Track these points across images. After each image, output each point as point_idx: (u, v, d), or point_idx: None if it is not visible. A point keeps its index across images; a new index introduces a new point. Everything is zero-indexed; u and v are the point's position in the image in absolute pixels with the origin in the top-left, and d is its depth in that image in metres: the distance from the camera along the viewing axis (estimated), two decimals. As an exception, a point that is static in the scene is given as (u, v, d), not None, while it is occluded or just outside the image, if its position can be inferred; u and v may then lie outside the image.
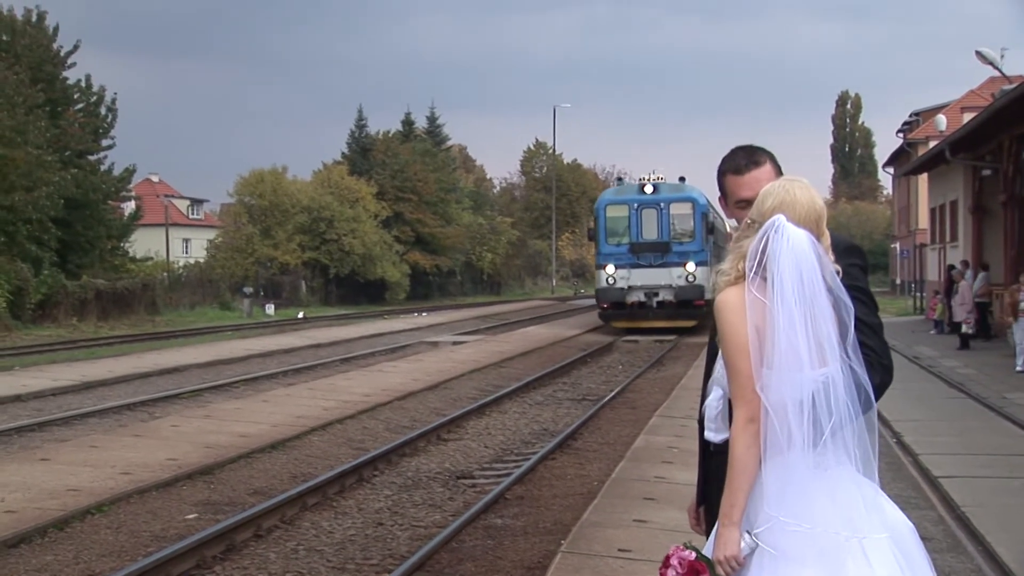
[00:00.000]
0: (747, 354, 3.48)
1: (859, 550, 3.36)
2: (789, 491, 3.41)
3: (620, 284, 36.54)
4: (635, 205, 36.90)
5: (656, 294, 36.47)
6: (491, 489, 12.31)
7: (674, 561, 3.54)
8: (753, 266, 3.53)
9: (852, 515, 3.40)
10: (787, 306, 3.45)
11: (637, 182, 38.26)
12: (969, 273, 30.59)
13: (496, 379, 24.35)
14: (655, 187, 37.14)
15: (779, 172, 4.10)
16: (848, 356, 3.48)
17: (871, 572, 3.33)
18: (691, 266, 36.37)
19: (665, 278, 36.45)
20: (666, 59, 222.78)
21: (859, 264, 4.00)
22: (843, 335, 3.50)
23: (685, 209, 36.99)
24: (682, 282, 36.36)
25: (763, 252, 3.51)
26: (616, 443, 15.18)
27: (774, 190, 3.67)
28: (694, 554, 3.52)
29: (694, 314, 36.37)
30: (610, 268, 36.72)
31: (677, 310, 36.46)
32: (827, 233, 3.71)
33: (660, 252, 36.49)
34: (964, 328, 27.57)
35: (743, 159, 4.19)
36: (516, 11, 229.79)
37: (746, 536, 3.39)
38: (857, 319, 3.58)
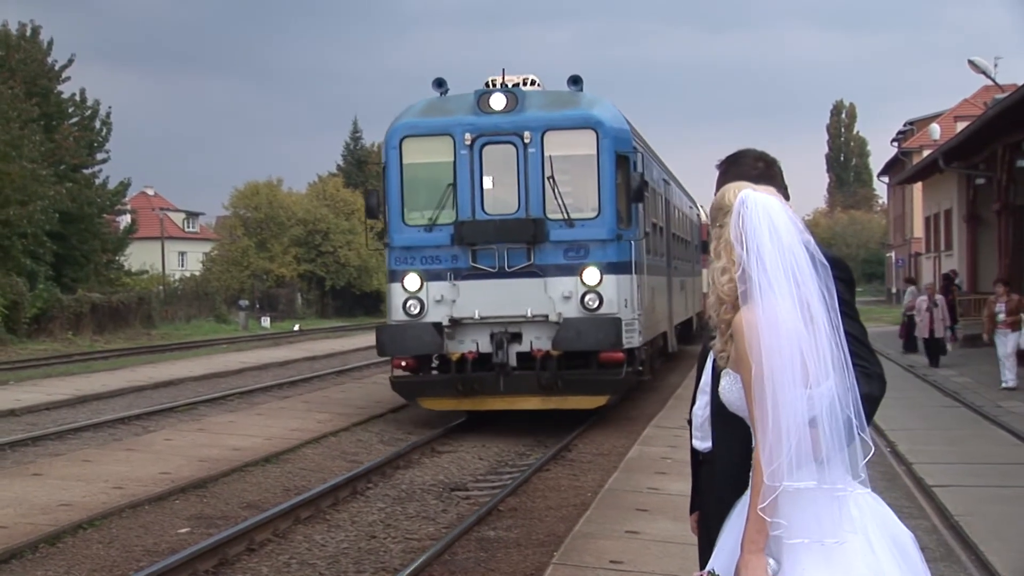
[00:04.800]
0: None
1: (868, 551, 3.37)
2: (800, 509, 3.39)
3: (434, 314, 17.06)
4: (467, 138, 17.20)
5: (516, 336, 16.99)
6: (485, 501, 12.29)
7: None
8: (743, 254, 3.47)
9: (858, 525, 3.40)
10: (772, 284, 3.41)
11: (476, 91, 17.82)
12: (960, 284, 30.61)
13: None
14: (513, 98, 17.33)
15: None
16: (843, 363, 3.45)
17: (879, 565, 3.35)
18: (592, 273, 16.79)
19: (535, 300, 16.83)
20: (660, 70, 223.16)
21: (842, 278, 3.96)
22: (829, 307, 3.46)
23: (581, 145, 17.30)
24: (573, 309, 16.79)
25: (743, 229, 3.48)
26: (610, 454, 15.17)
27: (733, 185, 3.68)
28: None
29: (606, 381, 17.11)
30: (411, 280, 17.14)
31: (564, 371, 16.83)
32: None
33: (524, 243, 16.90)
34: (948, 347, 26.47)
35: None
36: (513, 24, 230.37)
37: (771, 562, 3.37)
38: (845, 332, 3.55)
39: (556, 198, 16.91)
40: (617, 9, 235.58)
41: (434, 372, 17.75)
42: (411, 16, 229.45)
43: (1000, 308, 20.85)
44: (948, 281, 33.81)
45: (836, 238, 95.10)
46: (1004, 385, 20.32)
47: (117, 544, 10.60)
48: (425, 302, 17.06)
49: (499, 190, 17.35)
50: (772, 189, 3.65)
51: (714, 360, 3.88)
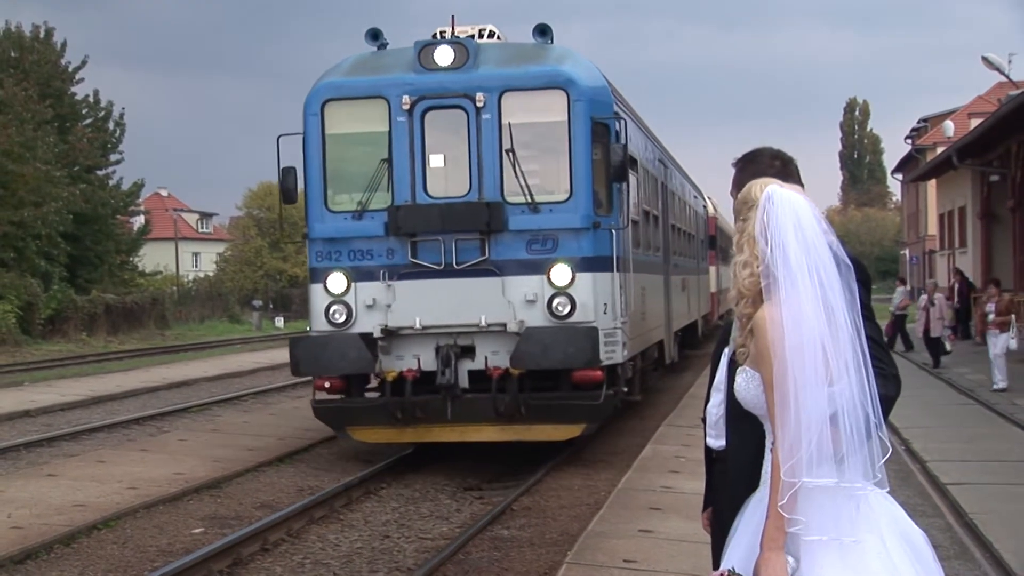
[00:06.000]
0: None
1: (883, 549, 3.38)
2: (819, 507, 3.39)
3: (364, 323, 13.74)
4: (405, 101, 13.80)
5: (467, 350, 13.76)
6: (498, 500, 12.29)
7: None
8: (767, 250, 3.47)
9: (873, 525, 3.41)
10: (797, 282, 3.41)
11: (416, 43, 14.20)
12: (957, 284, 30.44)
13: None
14: (463, 51, 13.94)
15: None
16: (862, 363, 3.44)
17: (893, 564, 3.36)
18: (562, 272, 13.57)
19: (491, 305, 13.57)
20: (672, 70, 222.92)
21: (859, 278, 3.95)
22: (851, 307, 3.46)
23: (549, 109, 14.02)
24: (539, 316, 13.58)
25: (767, 225, 3.48)
26: (624, 453, 15.14)
27: (760, 180, 3.68)
28: None
29: (580, 406, 13.82)
30: (336, 280, 13.94)
31: (527, 394, 13.61)
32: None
33: (477, 233, 13.68)
34: (947, 346, 25.74)
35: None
36: (524, 23, 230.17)
37: (789, 560, 3.37)
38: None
39: (517, 176, 13.59)
40: (628, 8, 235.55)
41: (375, 395, 14.20)
42: (417, 17, 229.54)
43: (990, 308, 20.64)
44: (963, 279, 33.75)
45: (850, 236, 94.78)
46: (995, 387, 19.95)
47: (131, 544, 10.63)
48: (353, 308, 13.67)
49: (446, 167, 14.04)
50: (799, 188, 3.66)
51: (730, 358, 3.88)
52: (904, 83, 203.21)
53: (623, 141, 14.11)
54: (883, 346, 3.85)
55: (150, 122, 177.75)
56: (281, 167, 14.34)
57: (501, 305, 13.42)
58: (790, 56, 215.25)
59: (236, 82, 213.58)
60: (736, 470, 3.86)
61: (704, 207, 31.55)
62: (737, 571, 3.47)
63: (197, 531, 11.19)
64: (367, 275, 13.75)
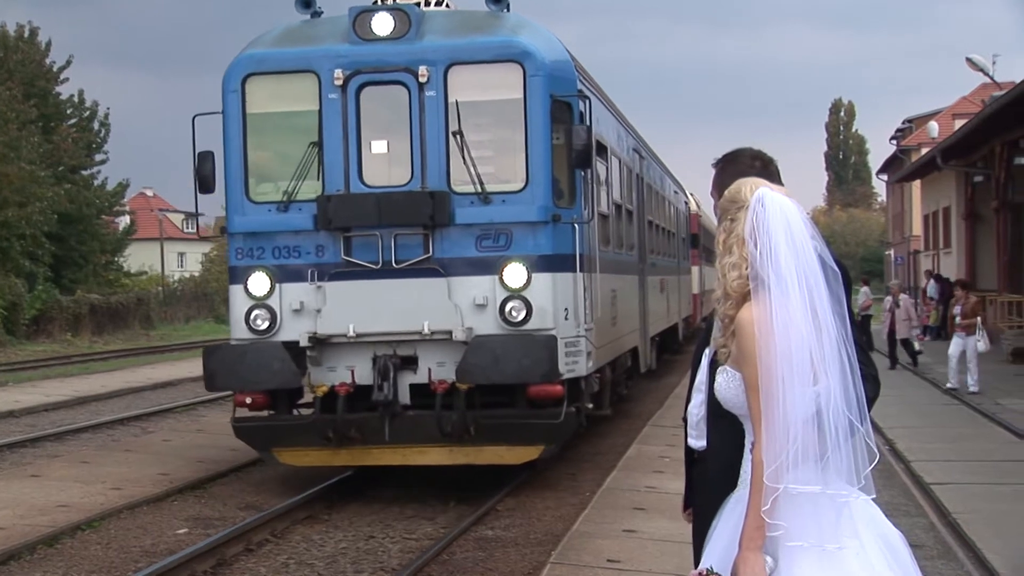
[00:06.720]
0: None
1: (862, 551, 3.39)
2: (801, 513, 3.40)
3: (290, 330, 12.08)
4: (337, 75, 12.11)
5: (408, 361, 12.02)
6: (483, 501, 12.28)
7: None
8: (756, 253, 3.47)
9: (852, 527, 3.43)
10: (786, 287, 3.42)
11: (351, 9, 12.44)
12: (932, 283, 30.48)
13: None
14: (404, 18, 12.16)
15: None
16: (847, 361, 3.45)
17: (872, 566, 3.37)
18: (516, 272, 11.89)
19: (435, 310, 11.87)
20: (659, 69, 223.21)
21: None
22: (837, 311, 3.47)
23: (502, 86, 12.26)
24: (490, 322, 11.88)
25: (757, 227, 3.49)
26: (608, 452, 15.14)
27: (749, 180, 3.69)
28: None
29: (537, 425, 12.02)
30: (258, 281, 12.26)
31: (478, 411, 11.91)
32: None
33: (420, 227, 11.97)
34: (916, 346, 26.22)
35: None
36: None
37: (767, 559, 3.38)
38: None
39: (465, 163, 11.93)
40: (617, 8, 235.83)
41: (308, 412, 12.61)
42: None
43: (957, 311, 20.77)
44: (942, 281, 33.94)
45: (835, 236, 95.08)
46: (948, 385, 20.35)
47: (115, 545, 10.60)
48: (277, 313, 12.05)
49: (384, 151, 12.43)
50: (786, 190, 3.67)
51: (711, 358, 3.90)
52: (889, 84, 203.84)
53: (588, 123, 12.41)
54: (862, 347, 3.87)
55: (136, 122, 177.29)
56: (197, 152, 12.61)
57: (447, 310, 11.78)
58: (775, 57, 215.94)
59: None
60: (716, 470, 3.89)
61: (686, 203, 30.15)
62: (715, 570, 3.48)
63: (181, 532, 11.17)
64: (294, 275, 12.11)
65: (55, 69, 52.81)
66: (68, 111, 53.77)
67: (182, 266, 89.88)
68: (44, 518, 11.38)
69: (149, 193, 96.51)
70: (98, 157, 54.87)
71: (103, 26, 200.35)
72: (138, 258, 64.23)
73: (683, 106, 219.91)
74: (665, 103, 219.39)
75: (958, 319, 20.59)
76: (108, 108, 55.73)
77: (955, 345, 20.33)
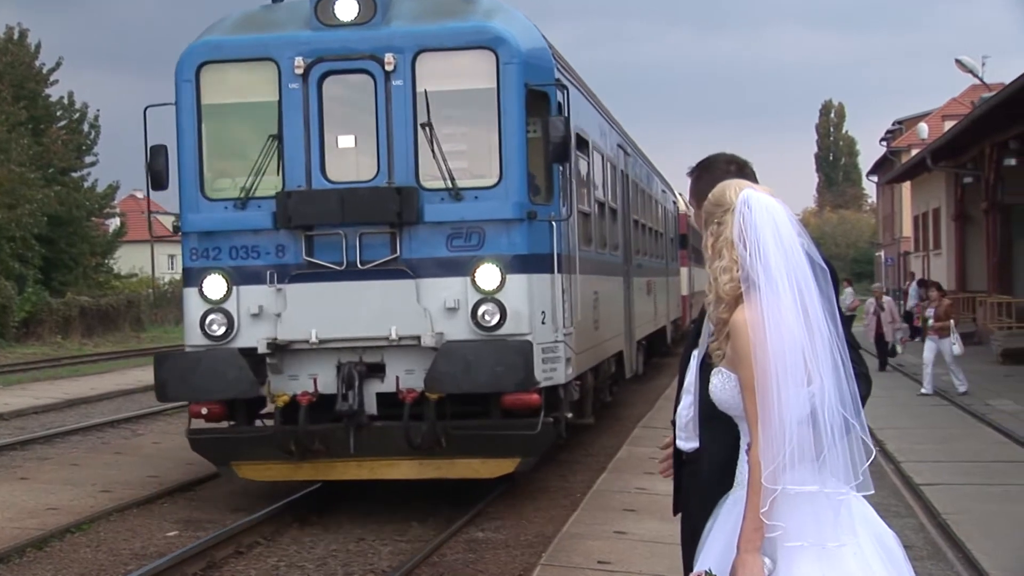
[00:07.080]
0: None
1: (859, 551, 3.41)
2: (799, 513, 3.41)
3: (248, 336, 11.31)
4: (298, 64, 11.35)
5: (375, 369, 11.30)
6: (474, 503, 12.27)
7: None
8: (746, 255, 3.48)
9: (851, 526, 3.44)
10: (776, 287, 3.43)
11: None
12: (914, 286, 30.48)
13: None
14: (370, 3, 11.38)
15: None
16: (840, 360, 3.46)
17: (868, 565, 3.39)
18: (489, 273, 11.17)
19: (403, 314, 11.15)
20: (650, 71, 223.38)
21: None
22: (827, 309, 3.49)
23: (473, 74, 11.59)
24: (461, 327, 11.15)
25: (745, 229, 3.49)
26: (599, 454, 15.16)
27: (733, 182, 3.70)
28: None
29: (512, 436, 11.33)
30: (214, 283, 11.46)
31: (449, 422, 11.19)
32: None
33: (386, 226, 11.26)
34: (899, 348, 26.11)
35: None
36: None
37: (766, 561, 3.38)
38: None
39: (435, 157, 11.18)
40: (608, 10, 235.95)
41: (269, 423, 11.78)
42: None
43: (930, 313, 20.59)
44: (924, 285, 34.05)
45: (825, 237, 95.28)
46: (922, 391, 20.11)
47: (105, 548, 10.58)
48: (234, 317, 11.29)
49: (348, 145, 11.69)
50: (770, 190, 3.68)
51: (701, 359, 3.90)
52: (879, 86, 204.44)
53: (566, 114, 11.53)
54: (853, 345, 3.88)
55: (127, 124, 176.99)
56: (149, 146, 12.01)
57: (416, 314, 11.05)
58: (766, 58, 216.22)
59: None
60: (710, 471, 3.88)
61: (675, 203, 29.31)
62: (714, 572, 3.48)
63: (171, 534, 11.14)
64: (252, 277, 11.35)
65: (45, 71, 52.66)
66: (58, 113, 53.59)
67: (172, 268, 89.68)
68: (33, 521, 11.35)
69: (139, 195, 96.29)
70: (88, 159, 54.70)
71: (93, 29, 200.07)
72: (128, 260, 64.05)
73: (675, 108, 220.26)
74: (657, 104, 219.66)
75: (931, 321, 20.38)
76: (98, 110, 55.65)
77: (928, 349, 20.11)
